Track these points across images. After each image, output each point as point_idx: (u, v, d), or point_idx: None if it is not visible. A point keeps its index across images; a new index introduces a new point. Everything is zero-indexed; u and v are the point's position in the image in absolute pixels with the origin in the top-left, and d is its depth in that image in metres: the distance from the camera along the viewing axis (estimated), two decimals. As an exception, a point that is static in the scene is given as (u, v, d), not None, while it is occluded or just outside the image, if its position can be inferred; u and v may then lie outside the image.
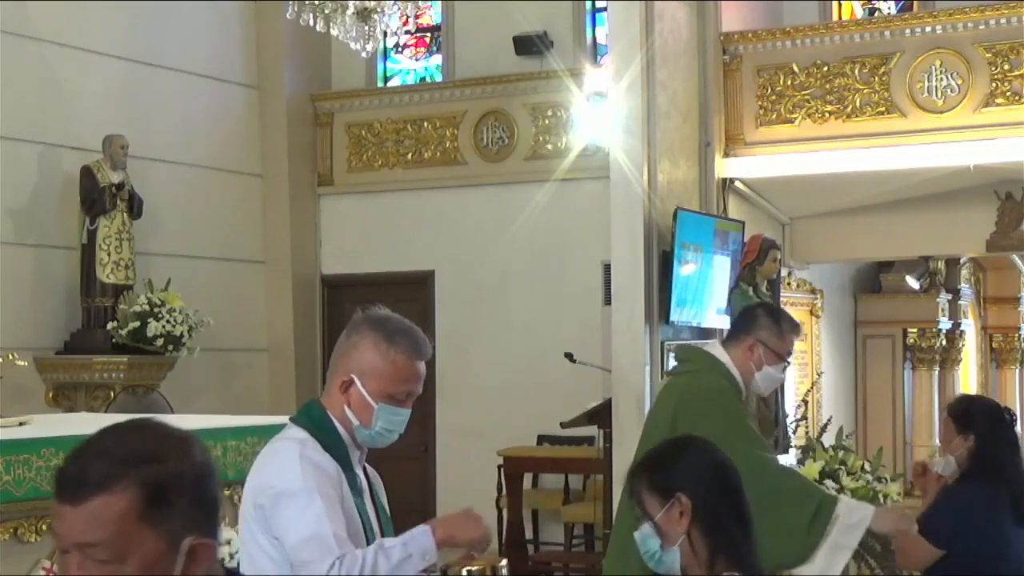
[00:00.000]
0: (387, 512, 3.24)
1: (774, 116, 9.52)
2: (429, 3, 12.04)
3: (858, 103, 9.30)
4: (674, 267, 8.44)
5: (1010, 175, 9.22)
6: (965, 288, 12.37)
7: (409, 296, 11.21)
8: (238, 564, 3.30)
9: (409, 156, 11.72)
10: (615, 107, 8.77)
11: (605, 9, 10.08)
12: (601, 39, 11.14)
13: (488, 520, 3.14)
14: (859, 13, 10.87)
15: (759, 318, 4.72)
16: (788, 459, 7.64)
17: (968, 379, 12.68)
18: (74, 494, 1.83)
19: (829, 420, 8.41)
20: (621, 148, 8.58)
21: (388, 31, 8.75)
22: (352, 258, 11.83)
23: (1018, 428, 4.79)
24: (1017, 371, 13.36)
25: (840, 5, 10.88)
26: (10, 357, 7.44)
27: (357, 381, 3.09)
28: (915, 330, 11.64)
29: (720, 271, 8.88)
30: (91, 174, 9.79)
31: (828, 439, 7.18)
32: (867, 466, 6.75)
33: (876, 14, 10.71)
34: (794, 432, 8.44)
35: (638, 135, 8.56)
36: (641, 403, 8.17)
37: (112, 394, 9.56)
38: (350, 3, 8.37)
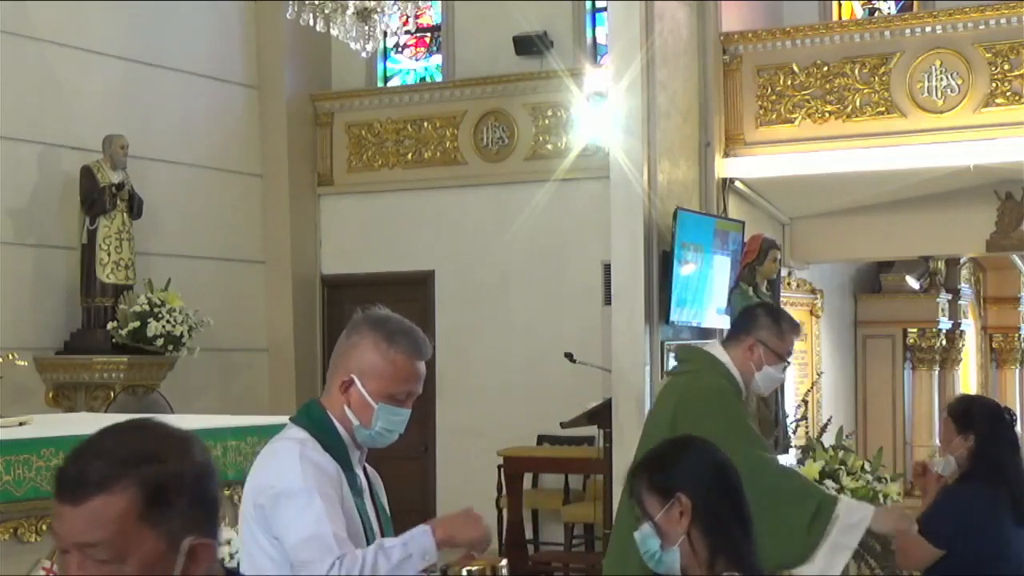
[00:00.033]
0: (387, 512, 3.24)
1: (774, 116, 9.52)
2: (429, 3, 12.04)
3: (858, 103, 9.30)
4: (674, 267, 8.44)
5: (1010, 175, 9.22)
6: (965, 288, 12.37)
7: (409, 296, 11.21)
8: (238, 564, 3.30)
9: (409, 156, 11.72)
10: (615, 107, 8.77)
11: (605, 9, 10.07)
12: (601, 39, 11.13)
13: (488, 520, 3.13)
14: (859, 13, 10.87)
15: (759, 318, 4.72)
16: (788, 459, 7.63)
17: (968, 379, 12.67)
18: (74, 494, 1.83)
19: (829, 420, 8.41)
20: (621, 148, 8.58)
21: (388, 31, 8.75)
22: (352, 258, 11.82)
23: (1018, 428, 4.79)
24: (1017, 371, 13.35)
25: (840, 5, 10.88)
26: (10, 357, 7.44)
27: (357, 381, 3.09)
28: (915, 330, 11.63)
29: (720, 271, 8.88)
30: (91, 174, 9.79)
31: (828, 439, 7.18)
32: (867, 466, 6.74)
33: (876, 14, 10.71)
34: (794, 432, 8.43)
35: (638, 135, 8.56)
36: (641, 403, 8.17)
37: (112, 394, 9.56)
38: (350, 3, 8.36)
